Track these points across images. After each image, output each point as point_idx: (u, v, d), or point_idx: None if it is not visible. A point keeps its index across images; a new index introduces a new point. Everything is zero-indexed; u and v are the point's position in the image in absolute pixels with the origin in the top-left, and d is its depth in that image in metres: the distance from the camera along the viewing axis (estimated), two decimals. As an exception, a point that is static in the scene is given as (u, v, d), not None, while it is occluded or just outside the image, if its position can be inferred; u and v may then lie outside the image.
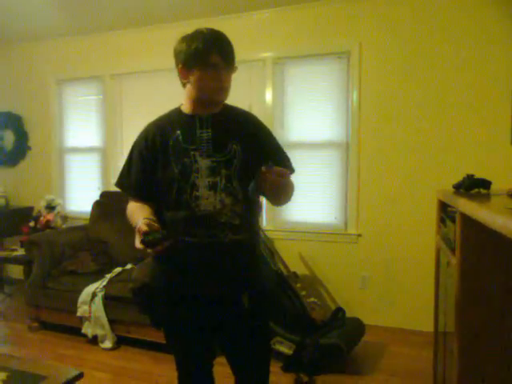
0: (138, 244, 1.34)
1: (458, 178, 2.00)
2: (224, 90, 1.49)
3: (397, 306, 3.52)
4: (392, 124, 3.48)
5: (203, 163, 1.47)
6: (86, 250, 3.65)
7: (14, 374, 1.85)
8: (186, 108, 1.55)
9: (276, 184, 1.34)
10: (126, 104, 4.42)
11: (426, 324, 3.08)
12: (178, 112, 1.57)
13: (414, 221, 3.44)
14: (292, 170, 1.58)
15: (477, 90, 3.23)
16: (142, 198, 1.55)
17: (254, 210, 1.56)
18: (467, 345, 1.48)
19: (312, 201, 3.76)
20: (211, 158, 1.47)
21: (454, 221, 1.70)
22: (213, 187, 1.46)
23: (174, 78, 1.56)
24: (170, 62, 1.54)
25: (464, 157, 3.26)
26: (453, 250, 1.68)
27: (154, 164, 1.51)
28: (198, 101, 1.51)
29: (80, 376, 1.84)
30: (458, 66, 3.27)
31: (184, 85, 1.52)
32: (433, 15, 3.31)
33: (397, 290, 3.52)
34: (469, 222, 1.42)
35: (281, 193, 1.42)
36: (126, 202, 1.61)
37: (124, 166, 1.61)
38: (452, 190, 1.98)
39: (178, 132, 1.50)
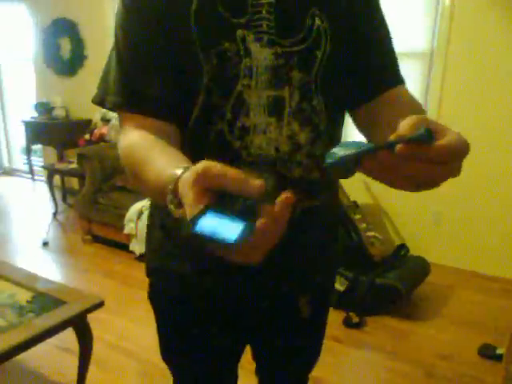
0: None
1: None
2: None
3: (471, 246, 3.13)
4: (491, 29, 2.81)
5: (261, 56, 0.74)
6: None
7: (39, 295, 1.86)
8: None
9: (429, 178, 0.51)
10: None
11: (503, 269, 2.71)
12: None
13: (497, 153, 2.91)
14: (400, 82, 0.85)
15: None
16: (157, 113, 0.75)
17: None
18: None
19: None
20: (275, 47, 0.74)
21: None
22: (276, 108, 0.75)
23: None
24: None
25: None
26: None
27: (167, 44, 0.74)
28: None
29: (100, 304, 1.78)
30: None
31: None
32: None
33: (473, 229, 3.11)
34: None
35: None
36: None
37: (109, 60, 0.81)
38: None
39: None
